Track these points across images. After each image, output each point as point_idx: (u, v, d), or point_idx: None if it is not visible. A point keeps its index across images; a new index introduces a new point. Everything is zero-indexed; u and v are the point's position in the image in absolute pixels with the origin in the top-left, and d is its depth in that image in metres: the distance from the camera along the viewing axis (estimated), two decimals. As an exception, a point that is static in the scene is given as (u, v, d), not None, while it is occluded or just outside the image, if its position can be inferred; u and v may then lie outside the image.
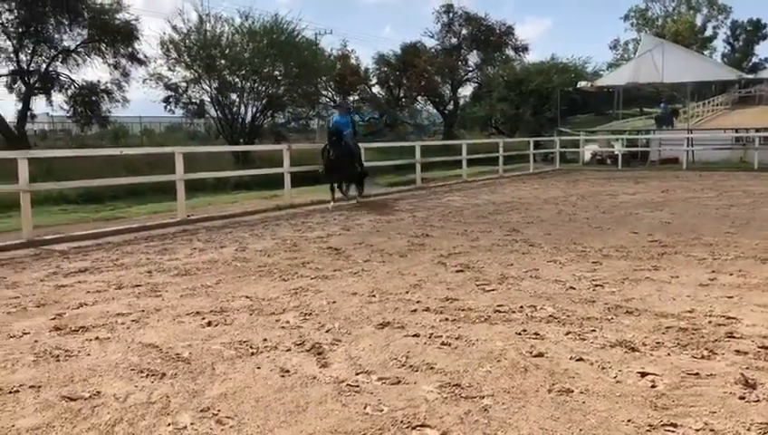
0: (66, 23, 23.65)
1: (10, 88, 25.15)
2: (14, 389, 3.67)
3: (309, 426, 3.18)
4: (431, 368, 3.90)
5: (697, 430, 3.05)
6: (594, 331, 4.57)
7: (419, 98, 38.40)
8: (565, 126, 30.79)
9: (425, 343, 4.37)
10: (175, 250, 8.49)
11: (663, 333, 4.48)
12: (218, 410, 3.36)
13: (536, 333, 4.53)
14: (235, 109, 25.37)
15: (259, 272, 6.93)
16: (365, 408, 3.36)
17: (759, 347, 4.13)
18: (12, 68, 24.14)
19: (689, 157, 25.29)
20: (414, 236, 9.24)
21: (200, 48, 23.98)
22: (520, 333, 4.54)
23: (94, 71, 42.68)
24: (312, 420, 3.25)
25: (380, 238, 9.09)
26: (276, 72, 25.39)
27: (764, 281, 5.99)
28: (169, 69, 24.93)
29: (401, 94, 37.03)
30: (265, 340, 4.51)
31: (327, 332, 4.69)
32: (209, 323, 4.94)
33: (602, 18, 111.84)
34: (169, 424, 3.21)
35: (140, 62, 25.51)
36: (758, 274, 6.29)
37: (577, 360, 4.00)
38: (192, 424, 3.21)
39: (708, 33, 61.00)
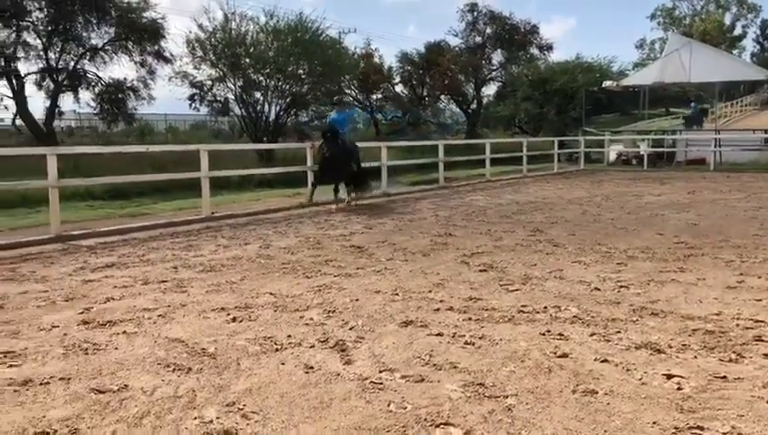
0: (94, 21, 23.93)
1: (39, 85, 25.55)
2: (45, 380, 3.74)
3: (333, 422, 3.20)
4: (454, 367, 3.91)
5: (724, 434, 3.02)
6: (619, 332, 4.54)
7: (443, 97, 38.31)
8: (590, 126, 30.52)
9: (448, 342, 4.37)
10: (200, 246, 8.58)
11: (689, 336, 4.44)
12: (243, 405, 3.39)
13: (560, 334, 4.51)
14: (258, 107, 25.51)
15: (283, 269, 6.98)
16: (389, 405, 3.38)
17: (788, 351, 4.08)
18: (41, 66, 24.51)
19: (717, 158, 24.94)
20: (437, 235, 9.23)
21: (225, 46, 24.15)
22: (544, 334, 4.53)
23: (121, 68, 43.08)
24: (336, 416, 3.27)
25: (403, 237, 9.10)
26: (300, 71, 25.48)
27: (794, 284, 5.90)
28: (195, 67, 25.16)
29: (424, 93, 36.98)
30: (289, 336, 4.55)
31: (350, 329, 4.71)
32: (234, 319, 4.99)
33: (628, 17, 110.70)
34: (196, 418, 3.25)
35: (166, 61, 25.76)
36: (787, 277, 6.20)
37: (602, 361, 3.98)
38: (218, 418, 3.24)
39: (737, 32, 60.02)
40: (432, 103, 38.07)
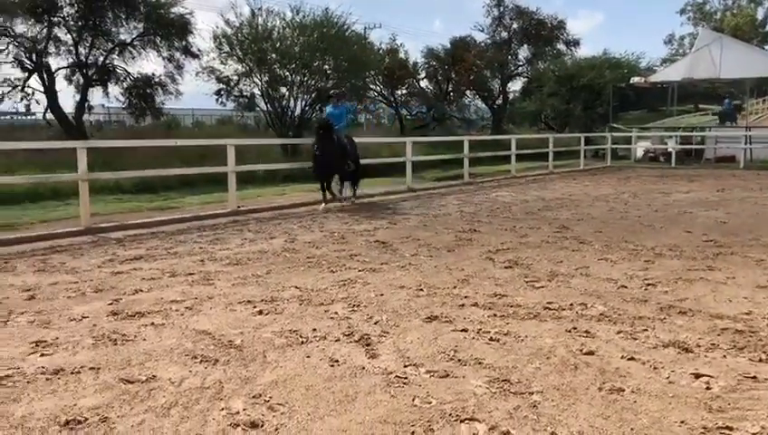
0: (123, 16, 24.17)
1: (69, 80, 25.89)
2: (76, 370, 3.82)
3: (358, 415, 3.22)
4: (479, 363, 3.90)
5: (754, 434, 2.98)
6: (646, 330, 4.50)
7: (468, 92, 38.08)
8: (617, 122, 30.14)
9: (473, 338, 4.37)
10: (226, 240, 8.66)
11: (718, 335, 4.38)
12: (270, 397, 3.43)
13: (586, 332, 4.48)
14: (284, 102, 25.61)
15: (308, 263, 7.02)
16: (413, 400, 3.39)
17: (820, 352, 4.01)
18: (71, 61, 24.84)
19: (747, 155, 24.50)
20: (461, 231, 9.21)
21: (252, 42, 24.26)
22: (570, 331, 4.50)
23: (149, 63, 43.71)
24: (361, 409, 3.29)
25: (427, 233, 9.09)
26: (326, 66, 25.51)
27: (826, 284, 5.79)
28: (221, 62, 25.28)
29: (450, 88, 36.78)
30: (315, 330, 4.58)
31: (375, 324, 4.73)
32: (260, 312, 5.04)
33: (657, 12, 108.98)
34: (222, 409, 3.29)
35: (194, 56, 25.91)
36: (820, 277, 6.08)
37: (628, 359, 3.95)
38: (244, 410, 3.28)
39: (770, 27, 58.80)
40: (457, 99, 37.86)
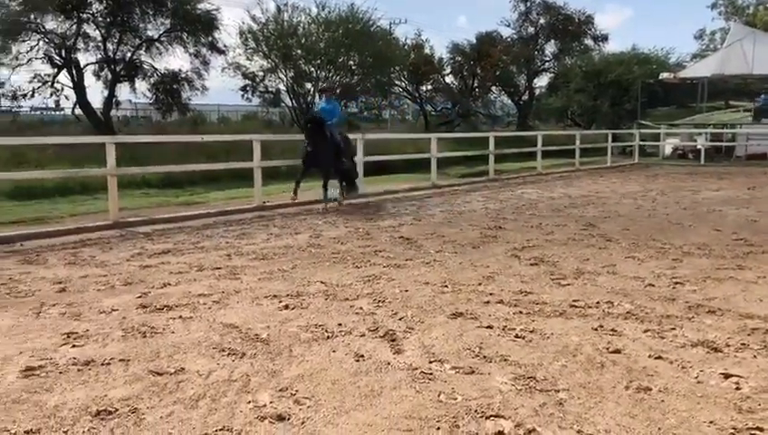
0: (150, 13, 24.49)
1: (97, 76, 26.32)
2: (106, 361, 3.88)
3: (384, 410, 3.23)
4: (505, 360, 3.89)
5: (785, 436, 2.94)
6: (674, 329, 4.45)
7: (493, 88, 37.90)
8: (645, 118, 29.77)
9: (498, 335, 4.36)
10: (252, 235, 8.73)
11: (748, 335, 4.32)
12: (296, 391, 3.46)
13: (613, 330, 4.44)
14: (309, 98, 25.74)
15: (333, 258, 7.05)
16: (439, 395, 3.39)
17: None
18: (99, 56, 25.24)
19: (779, 152, 24.04)
20: (486, 227, 9.18)
21: (277, 38, 24.43)
22: (596, 329, 4.47)
23: (176, 59, 43.99)
24: (386, 404, 3.30)
25: (452, 229, 9.07)
26: (350, 62, 25.62)
27: None
28: (247, 58, 25.55)
29: (475, 84, 36.63)
30: (340, 325, 4.60)
31: (400, 319, 4.74)
32: (286, 307, 5.08)
33: (687, 7, 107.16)
34: (249, 402, 3.33)
35: (220, 52, 26.17)
36: None
37: (656, 358, 3.91)
38: (271, 402, 3.31)
39: (805, 21, 57.55)
40: (482, 95, 37.70)
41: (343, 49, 24.79)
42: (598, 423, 3.08)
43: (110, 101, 25.98)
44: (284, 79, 25.54)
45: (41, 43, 23.64)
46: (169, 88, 26.60)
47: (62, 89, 25.33)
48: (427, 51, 35.11)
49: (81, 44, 24.43)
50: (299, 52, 24.60)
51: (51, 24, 23.35)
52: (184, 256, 7.24)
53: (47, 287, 5.82)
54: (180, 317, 4.82)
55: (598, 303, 5.14)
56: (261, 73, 25.84)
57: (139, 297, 5.42)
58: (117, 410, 3.24)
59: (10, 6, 22.35)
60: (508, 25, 37.59)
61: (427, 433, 3.01)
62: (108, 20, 24.04)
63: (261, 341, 4.27)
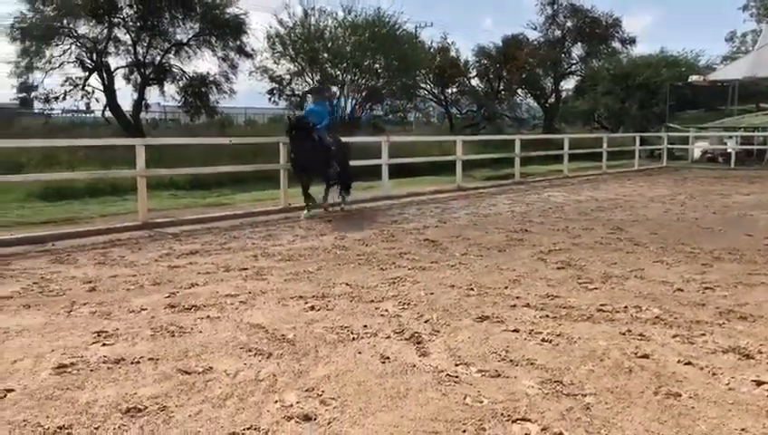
0: (180, 17, 24.78)
1: (127, 79, 26.67)
2: (136, 360, 3.94)
3: (409, 412, 3.24)
4: (531, 363, 3.87)
5: (819, 445, 2.89)
6: (704, 335, 4.39)
7: (519, 91, 37.70)
8: (674, 121, 29.37)
9: (525, 339, 4.34)
10: (278, 236, 8.79)
11: (781, 342, 4.24)
12: (322, 392, 3.48)
13: (641, 335, 4.40)
14: (335, 101, 25.85)
15: (358, 260, 7.07)
16: (465, 398, 3.39)
17: None
18: (129, 60, 25.59)
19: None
20: (512, 230, 9.13)
21: (304, 41, 24.56)
22: (624, 334, 4.43)
23: (204, 63, 44.63)
24: (412, 406, 3.30)
25: (477, 232, 9.04)
26: (376, 66, 25.66)
27: None
28: (274, 62, 25.72)
29: (501, 87, 36.47)
30: (365, 326, 4.62)
31: (426, 322, 4.74)
32: (312, 308, 5.11)
33: (718, 8, 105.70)
34: (276, 401, 3.36)
35: (247, 55, 26.37)
36: None
37: (685, 364, 3.86)
38: (298, 403, 3.34)
39: (840, 22, 56.30)
40: (508, 97, 37.51)
41: (369, 52, 24.85)
42: (626, 428, 3.05)
43: (140, 103, 26.33)
44: (311, 82, 25.67)
45: (73, 47, 24.06)
46: (198, 91, 26.86)
47: (93, 92, 25.71)
48: (452, 54, 35.05)
49: (111, 48, 24.81)
50: (325, 55, 24.71)
51: (83, 28, 23.77)
52: (211, 257, 7.32)
53: (78, 286, 5.92)
54: (208, 317, 4.88)
55: (625, 307, 5.09)
56: (288, 77, 26.00)
57: (168, 297, 5.49)
58: (146, 407, 3.29)
59: (44, 12, 22.78)
60: (534, 28, 37.37)
61: (452, 436, 3.01)
62: (138, 24, 24.37)
63: (287, 341, 4.30)
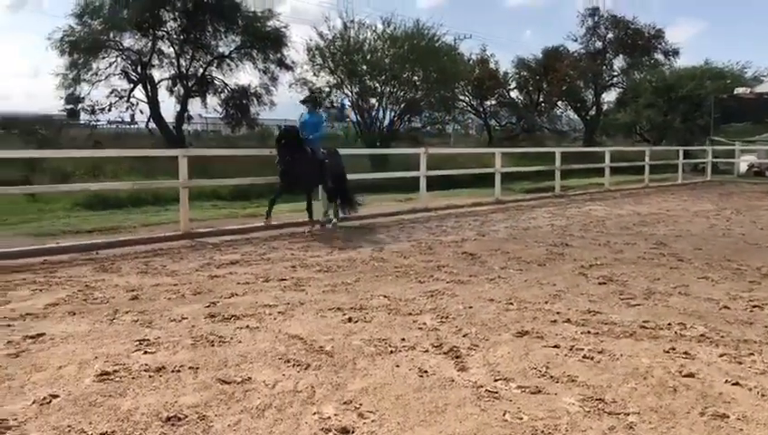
0: (222, 30, 25.30)
1: (170, 91, 27.28)
2: (176, 368, 3.99)
3: (448, 427, 3.20)
4: (572, 380, 3.81)
5: None
6: (752, 354, 4.26)
7: (560, 103, 37.40)
8: (718, 135, 28.73)
9: (565, 355, 4.26)
10: (316, 247, 8.83)
11: (834, 363, 4.09)
12: (360, 404, 3.47)
13: (686, 353, 4.29)
14: (373, 113, 25.99)
15: (396, 272, 7.06)
16: (504, 414, 3.34)
17: None
18: (173, 72, 26.18)
19: None
20: (552, 244, 9.01)
21: (343, 54, 24.80)
22: (668, 352, 4.32)
23: (245, 75, 45.20)
24: (450, 421, 3.27)
25: (517, 246, 8.95)
26: (415, 78, 25.74)
27: None
28: (314, 74, 26.01)
29: (540, 99, 36.24)
30: (403, 339, 4.59)
31: (464, 336, 4.70)
32: (350, 320, 5.11)
33: (765, 18, 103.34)
34: (315, 413, 3.36)
35: (288, 68, 26.74)
36: None
37: (733, 384, 3.75)
38: (336, 415, 3.33)
39: None
40: (548, 110, 37.26)
41: (408, 65, 24.94)
42: (671, 450, 2.97)
43: (182, 115, 26.86)
44: (350, 94, 25.87)
45: (119, 59, 24.74)
46: (239, 103, 27.30)
47: (137, 103, 26.35)
48: (491, 65, 34.98)
49: (155, 61, 25.44)
50: (364, 67, 24.89)
51: (128, 41, 24.44)
52: (251, 267, 7.39)
53: (121, 295, 6.03)
54: (247, 327, 4.91)
55: (669, 324, 4.97)
56: (327, 89, 26.23)
57: (208, 307, 5.55)
58: (186, 416, 3.32)
59: (92, 26, 23.45)
60: (575, 40, 37.11)
61: (492, 453, 2.97)
62: (181, 37, 24.93)
63: (325, 353, 4.30)
